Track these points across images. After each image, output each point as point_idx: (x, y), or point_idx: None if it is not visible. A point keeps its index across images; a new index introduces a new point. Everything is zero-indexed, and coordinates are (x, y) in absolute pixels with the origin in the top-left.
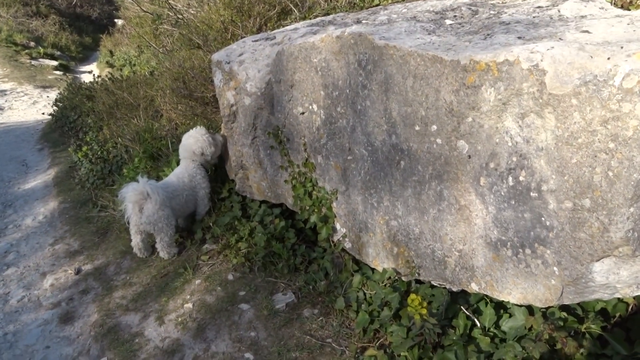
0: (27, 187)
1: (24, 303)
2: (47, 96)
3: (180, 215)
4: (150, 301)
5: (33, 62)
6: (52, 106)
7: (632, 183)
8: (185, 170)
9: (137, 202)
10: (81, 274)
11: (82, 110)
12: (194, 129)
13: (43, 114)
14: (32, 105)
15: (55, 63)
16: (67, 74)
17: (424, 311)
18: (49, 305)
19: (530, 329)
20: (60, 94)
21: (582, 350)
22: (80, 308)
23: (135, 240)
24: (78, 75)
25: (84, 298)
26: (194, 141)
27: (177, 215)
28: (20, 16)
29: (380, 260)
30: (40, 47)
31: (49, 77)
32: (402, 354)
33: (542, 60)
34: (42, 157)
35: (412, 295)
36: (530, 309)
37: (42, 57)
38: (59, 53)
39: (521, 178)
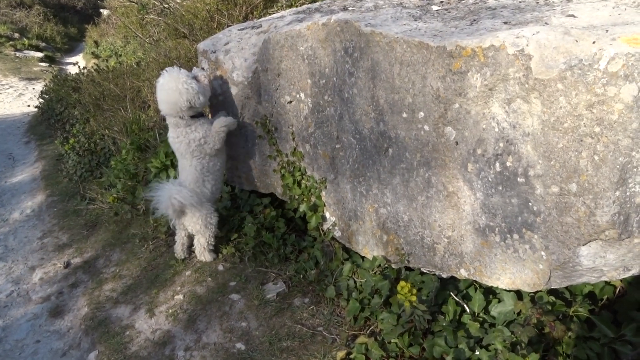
0: (14, 181)
1: (13, 298)
2: (33, 88)
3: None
4: (140, 293)
5: (18, 53)
6: (38, 98)
7: (618, 167)
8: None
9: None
10: (70, 267)
11: (68, 102)
12: (169, 73)
13: (29, 106)
14: (17, 98)
15: (40, 55)
16: (53, 66)
17: (414, 298)
18: (38, 300)
19: (519, 314)
20: (46, 86)
21: (570, 333)
22: (70, 301)
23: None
24: (64, 67)
25: (74, 291)
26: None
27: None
28: (4, 7)
29: (370, 248)
30: (24, 39)
31: (35, 69)
32: (392, 340)
33: (527, 45)
34: (28, 150)
35: (402, 283)
36: (518, 294)
37: (27, 49)
38: (44, 44)
39: (508, 164)
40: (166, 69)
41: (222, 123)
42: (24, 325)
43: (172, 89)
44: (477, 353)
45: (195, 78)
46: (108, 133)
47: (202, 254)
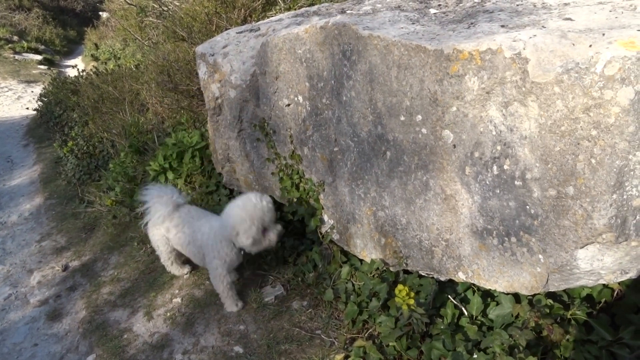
0: (12, 184)
1: (10, 301)
2: (32, 91)
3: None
4: (138, 296)
5: (17, 56)
6: (37, 101)
7: (615, 170)
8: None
9: None
10: (68, 270)
11: (67, 105)
12: (254, 198)
13: (28, 109)
14: (16, 101)
15: (39, 57)
16: (52, 69)
17: (412, 301)
18: (36, 303)
19: (517, 317)
20: (44, 88)
21: (567, 336)
22: (68, 305)
23: None
24: (63, 70)
25: (72, 295)
26: (239, 216)
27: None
28: (2, 10)
29: (368, 251)
30: (23, 41)
31: (33, 71)
32: (390, 344)
33: (524, 49)
34: (27, 153)
35: (400, 286)
36: (516, 297)
37: (26, 52)
38: (43, 47)
39: (505, 167)
40: (267, 202)
41: (223, 287)
42: (22, 328)
43: (240, 212)
44: (475, 356)
45: (265, 230)
46: (107, 136)
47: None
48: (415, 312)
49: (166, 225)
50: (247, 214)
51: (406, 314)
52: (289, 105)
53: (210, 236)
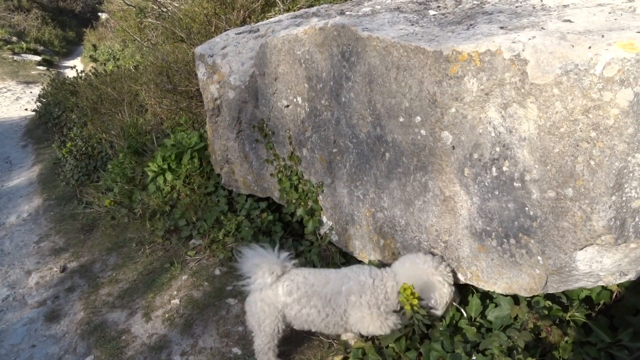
0: (11, 185)
1: (9, 302)
2: (31, 92)
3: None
4: (136, 298)
5: (15, 57)
6: (35, 102)
7: (614, 172)
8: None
9: None
10: (67, 271)
11: (66, 106)
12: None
13: (26, 110)
14: (15, 102)
15: (38, 58)
16: (51, 69)
17: (415, 301)
18: (34, 304)
19: (515, 318)
20: (43, 89)
21: (566, 338)
22: (66, 306)
23: None
24: (62, 71)
25: (70, 296)
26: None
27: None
28: (1, 11)
29: (367, 253)
30: (22, 42)
31: (32, 72)
32: (389, 345)
33: (523, 50)
34: (26, 154)
35: (405, 284)
36: (515, 299)
37: (25, 52)
38: (42, 48)
39: (504, 168)
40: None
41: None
42: (20, 329)
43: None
44: (474, 358)
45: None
46: (105, 137)
47: None
48: (418, 313)
49: (282, 299)
50: (448, 282)
51: (409, 314)
52: (288, 106)
53: (363, 292)
